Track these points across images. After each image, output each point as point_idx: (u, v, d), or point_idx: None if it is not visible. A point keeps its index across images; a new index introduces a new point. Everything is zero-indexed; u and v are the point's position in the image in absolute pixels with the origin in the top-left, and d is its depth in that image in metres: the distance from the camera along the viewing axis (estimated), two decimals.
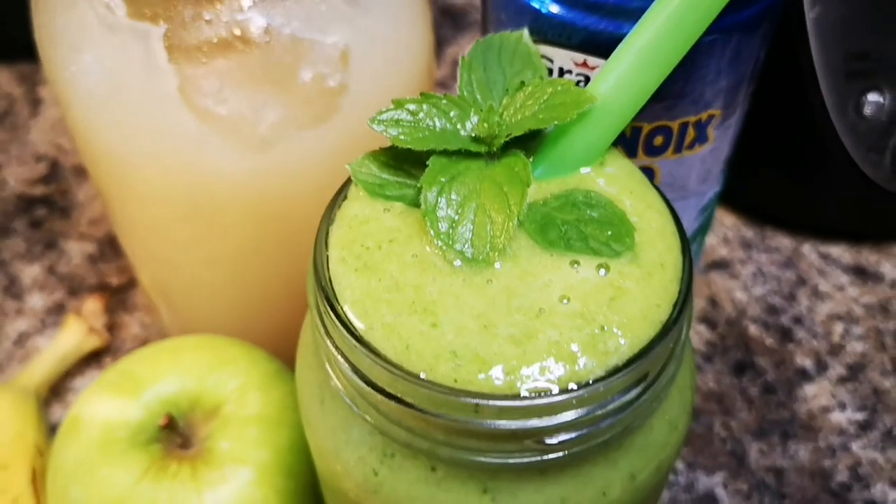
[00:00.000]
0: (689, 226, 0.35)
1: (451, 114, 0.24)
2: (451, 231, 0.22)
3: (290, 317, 0.30)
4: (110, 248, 0.48)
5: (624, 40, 0.23)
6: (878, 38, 0.31)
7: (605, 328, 0.21)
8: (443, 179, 0.23)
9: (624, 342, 0.21)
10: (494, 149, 0.23)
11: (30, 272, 0.47)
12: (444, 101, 0.24)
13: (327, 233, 0.23)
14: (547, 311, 0.21)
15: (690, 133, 0.31)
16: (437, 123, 0.24)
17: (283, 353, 0.34)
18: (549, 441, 0.21)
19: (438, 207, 0.22)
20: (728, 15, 0.28)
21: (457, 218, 0.22)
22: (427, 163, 0.23)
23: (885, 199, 0.37)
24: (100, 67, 0.29)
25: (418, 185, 0.23)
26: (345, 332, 0.21)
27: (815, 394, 0.43)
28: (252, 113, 0.29)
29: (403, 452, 0.23)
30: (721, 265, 0.48)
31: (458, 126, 0.24)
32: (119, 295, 0.46)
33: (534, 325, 0.21)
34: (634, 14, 0.23)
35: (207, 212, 0.31)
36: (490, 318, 0.21)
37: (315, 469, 0.29)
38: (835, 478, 0.40)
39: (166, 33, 0.28)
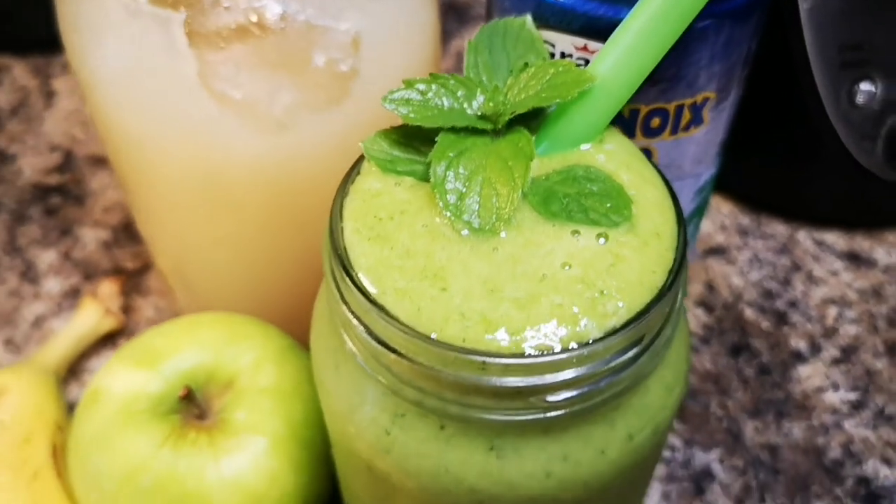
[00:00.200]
0: (686, 207, 0.36)
1: (459, 93, 0.25)
2: (459, 202, 0.23)
3: (302, 294, 0.31)
4: (124, 234, 0.50)
5: (621, 23, 0.24)
6: (871, 29, 0.32)
7: (605, 292, 0.22)
8: (451, 154, 0.24)
9: (622, 305, 0.22)
10: (499, 126, 0.25)
11: (46, 257, 0.49)
12: (452, 82, 0.25)
13: (342, 205, 0.25)
14: (549, 276, 0.23)
15: (686, 115, 0.32)
16: (446, 102, 0.25)
17: (296, 330, 0.35)
18: (551, 399, 0.22)
19: (447, 180, 0.24)
20: (720, 1, 0.29)
21: (464, 190, 0.24)
22: (436, 139, 0.24)
23: (878, 186, 0.37)
24: (122, 53, 0.30)
25: (427, 160, 0.24)
26: (360, 296, 0.23)
27: (809, 375, 0.44)
28: (267, 96, 0.30)
29: (414, 412, 0.24)
30: (718, 251, 0.50)
31: (465, 105, 0.25)
32: (133, 279, 0.47)
33: (537, 290, 0.22)
34: (631, 0, 0.24)
35: (224, 191, 0.32)
36: (496, 282, 0.22)
37: (327, 439, 0.31)
38: (828, 455, 0.41)
39: (186, 19, 0.29)
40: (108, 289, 0.44)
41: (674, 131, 0.32)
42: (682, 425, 0.42)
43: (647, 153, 0.33)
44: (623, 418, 0.25)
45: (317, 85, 0.31)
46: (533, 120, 0.25)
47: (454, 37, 0.63)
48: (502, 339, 0.22)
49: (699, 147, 0.34)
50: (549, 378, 0.22)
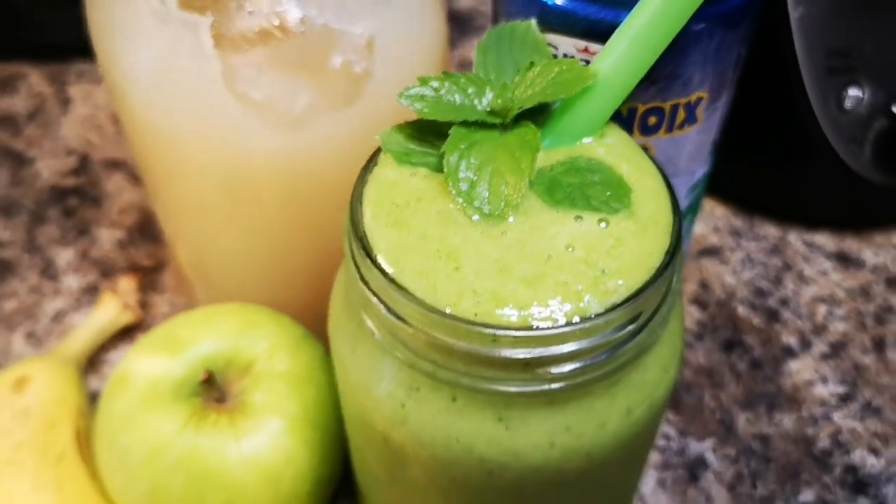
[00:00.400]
0: (680, 203, 0.38)
1: (469, 90, 0.27)
2: (470, 190, 0.25)
3: (316, 285, 0.33)
4: (139, 234, 0.51)
5: (620, 26, 0.26)
6: (859, 36, 0.33)
7: (606, 272, 0.24)
8: (462, 146, 0.26)
9: (622, 283, 0.24)
10: (507, 120, 0.26)
11: (64, 256, 0.50)
12: (463, 80, 0.27)
13: (362, 193, 0.26)
14: (555, 257, 0.24)
15: (681, 114, 0.34)
16: (457, 98, 0.27)
17: (308, 320, 0.37)
18: (555, 371, 0.24)
19: (459, 170, 0.25)
20: (712, 6, 0.31)
21: (475, 179, 0.25)
22: (448, 133, 0.26)
23: (866, 188, 0.39)
24: (152, 56, 0.32)
25: (440, 151, 0.26)
26: (380, 275, 0.24)
27: (800, 369, 0.46)
28: (287, 95, 0.32)
29: (428, 385, 0.26)
30: (712, 252, 0.52)
31: (476, 101, 0.27)
32: (149, 277, 0.49)
33: (543, 269, 0.24)
34: (630, 4, 0.26)
35: (244, 186, 0.34)
36: (505, 263, 0.24)
37: (339, 422, 0.32)
38: (817, 444, 0.43)
39: (213, 24, 0.31)
40: (127, 284, 0.46)
41: (669, 129, 0.34)
42: (676, 416, 0.44)
43: (644, 150, 0.35)
44: (623, 393, 0.26)
45: (333, 85, 0.32)
46: (539, 115, 0.27)
47: (456, 46, 0.65)
48: (511, 313, 0.24)
49: (693, 145, 0.36)
50: (554, 350, 0.23)
